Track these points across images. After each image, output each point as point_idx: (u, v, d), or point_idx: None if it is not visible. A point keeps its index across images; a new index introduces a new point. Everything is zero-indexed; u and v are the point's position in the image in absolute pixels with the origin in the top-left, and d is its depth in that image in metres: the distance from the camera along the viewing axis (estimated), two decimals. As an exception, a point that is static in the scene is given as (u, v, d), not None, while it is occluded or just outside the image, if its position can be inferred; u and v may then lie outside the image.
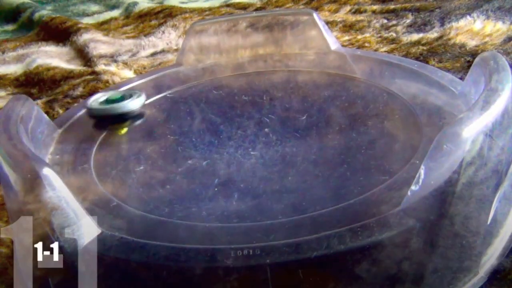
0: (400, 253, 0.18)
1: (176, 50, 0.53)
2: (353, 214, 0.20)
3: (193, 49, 0.40)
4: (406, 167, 0.23)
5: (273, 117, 0.30)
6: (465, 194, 0.19)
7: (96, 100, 0.32)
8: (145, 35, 0.60)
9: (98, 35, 0.60)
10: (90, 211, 0.20)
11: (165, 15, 0.66)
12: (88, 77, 0.49)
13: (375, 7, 0.58)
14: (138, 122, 0.32)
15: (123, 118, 0.32)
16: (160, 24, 0.63)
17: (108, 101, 0.32)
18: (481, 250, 0.20)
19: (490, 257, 0.21)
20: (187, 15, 0.65)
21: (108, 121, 0.32)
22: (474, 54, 0.42)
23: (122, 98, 0.32)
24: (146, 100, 0.33)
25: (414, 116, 0.28)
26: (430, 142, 0.19)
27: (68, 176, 0.26)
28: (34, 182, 0.20)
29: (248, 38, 0.40)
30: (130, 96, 0.32)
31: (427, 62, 0.41)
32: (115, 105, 0.31)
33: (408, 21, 0.52)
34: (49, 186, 0.19)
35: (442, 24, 0.49)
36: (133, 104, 0.32)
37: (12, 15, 0.75)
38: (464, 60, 0.41)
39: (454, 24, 0.48)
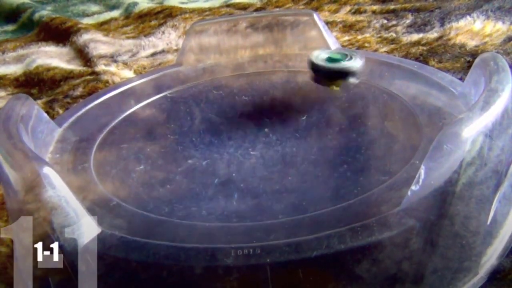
0: (400, 253, 0.18)
1: (176, 50, 0.53)
2: (353, 214, 0.20)
3: (193, 49, 0.40)
4: (406, 167, 0.23)
5: (273, 117, 0.30)
6: (465, 194, 0.19)
7: (317, 58, 0.33)
8: (145, 35, 0.59)
9: (98, 35, 0.60)
10: (90, 211, 0.20)
11: (165, 15, 0.66)
12: (88, 77, 0.48)
13: (375, 7, 0.58)
14: (354, 80, 0.32)
15: (344, 75, 0.32)
16: (160, 25, 0.62)
17: (331, 60, 0.33)
18: (481, 250, 0.20)
19: (490, 257, 0.21)
20: (187, 15, 0.65)
21: (327, 77, 0.32)
22: (474, 54, 0.42)
23: (344, 57, 0.33)
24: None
25: (414, 117, 0.28)
26: (430, 142, 0.19)
27: (68, 175, 0.26)
28: (34, 181, 0.20)
29: (248, 38, 0.40)
30: (349, 56, 0.33)
31: (427, 63, 0.41)
32: (344, 63, 0.32)
33: (408, 21, 0.52)
34: (49, 185, 0.19)
35: (442, 24, 0.49)
36: (358, 63, 0.32)
37: (12, 15, 0.75)
38: (464, 60, 0.41)
39: (454, 24, 0.48)
